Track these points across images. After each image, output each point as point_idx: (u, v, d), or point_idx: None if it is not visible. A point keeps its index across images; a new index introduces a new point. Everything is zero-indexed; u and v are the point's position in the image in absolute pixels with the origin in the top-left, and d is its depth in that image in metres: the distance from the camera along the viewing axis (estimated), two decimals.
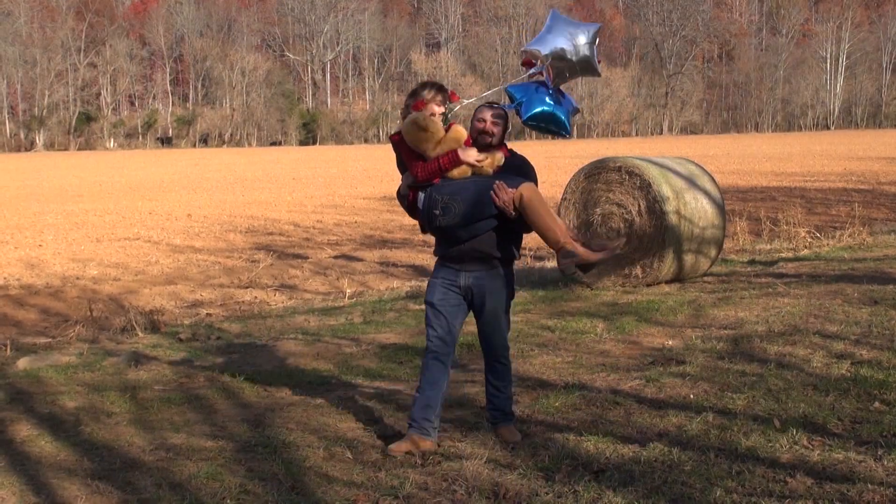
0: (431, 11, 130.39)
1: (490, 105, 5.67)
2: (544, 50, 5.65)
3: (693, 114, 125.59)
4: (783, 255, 13.43)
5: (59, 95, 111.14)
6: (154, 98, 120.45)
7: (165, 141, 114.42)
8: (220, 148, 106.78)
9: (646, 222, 10.80)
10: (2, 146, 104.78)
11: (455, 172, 5.42)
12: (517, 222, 5.41)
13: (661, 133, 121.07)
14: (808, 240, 14.39)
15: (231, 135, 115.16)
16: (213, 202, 29.56)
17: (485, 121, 5.52)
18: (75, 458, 5.61)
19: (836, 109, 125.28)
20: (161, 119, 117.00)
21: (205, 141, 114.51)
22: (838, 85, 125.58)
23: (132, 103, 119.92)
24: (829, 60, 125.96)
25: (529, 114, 5.64)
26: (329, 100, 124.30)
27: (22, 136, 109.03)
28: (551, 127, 5.76)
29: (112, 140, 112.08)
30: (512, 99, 5.73)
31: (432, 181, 5.44)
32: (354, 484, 5.02)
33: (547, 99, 5.65)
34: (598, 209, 11.12)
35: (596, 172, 11.25)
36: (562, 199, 11.57)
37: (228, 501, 4.86)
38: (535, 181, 5.54)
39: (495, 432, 5.67)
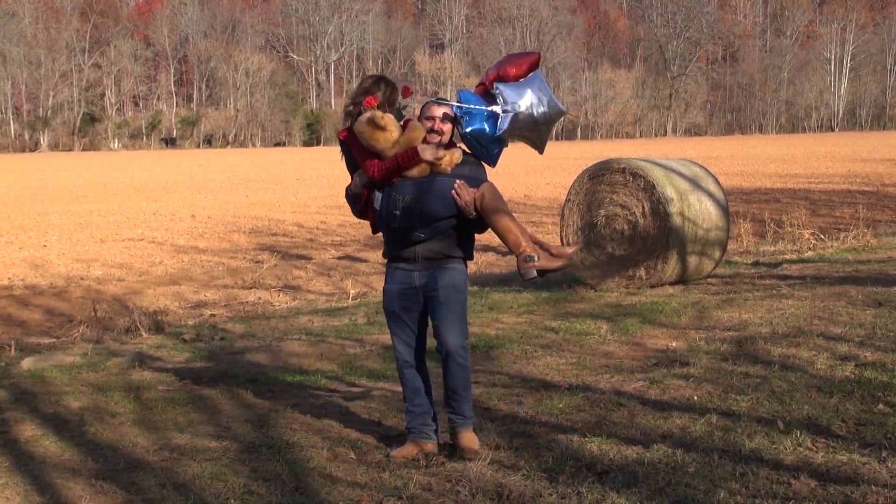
0: (435, 12, 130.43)
1: (438, 101, 5.47)
2: (512, 99, 5.45)
3: (697, 115, 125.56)
4: (787, 256, 13.43)
5: (64, 96, 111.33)
6: (158, 99, 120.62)
7: (169, 142, 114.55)
8: (224, 149, 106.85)
9: (650, 224, 10.80)
10: (6, 147, 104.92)
11: (413, 171, 5.27)
12: (474, 223, 5.34)
13: (665, 135, 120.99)
14: (812, 241, 14.37)
15: (235, 136, 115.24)
16: (217, 203, 29.59)
17: (434, 119, 5.36)
18: (79, 458, 5.63)
19: (841, 111, 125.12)
20: (165, 120, 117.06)
21: (209, 142, 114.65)
22: (842, 87, 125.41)
23: (136, 104, 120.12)
24: (833, 62, 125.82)
25: (472, 128, 5.44)
26: (333, 101, 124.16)
27: (26, 136, 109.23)
28: (487, 148, 5.52)
29: (116, 141, 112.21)
30: (458, 101, 5.50)
31: (390, 180, 5.30)
32: (358, 484, 5.02)
33: (489, 124, 5.45)
34: (602, 210, 11.12)
35: (600, 174, 11.26)
36: (566, 200, 11.57)
37: (232, 502, 4.87)
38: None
39: (455, 440, 5.50)
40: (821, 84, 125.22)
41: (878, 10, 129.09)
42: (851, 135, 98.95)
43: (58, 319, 11.58)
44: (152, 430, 6.14)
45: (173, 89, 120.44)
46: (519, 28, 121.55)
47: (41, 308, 12.49)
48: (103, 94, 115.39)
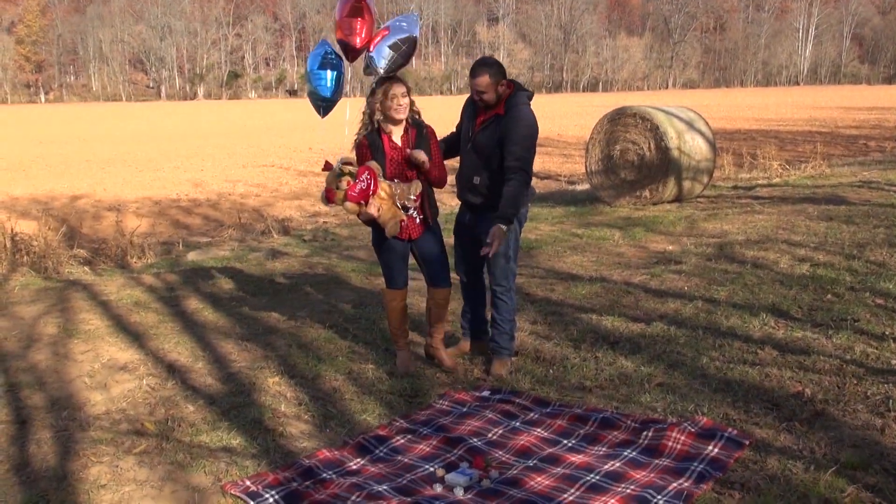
0: None
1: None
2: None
3: (692, 73, 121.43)
4: (759, 182, 13.07)
5: (214, 58, 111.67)
6: (283, 60, 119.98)
7: (292, 92, 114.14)
8: None
9: (654, 156, 10.57)
10: (173, 96, 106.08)
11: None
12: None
13: (666, 88, 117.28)
14: (780, 170, 13.97)
15: None
16: (328, 139, 29.54)
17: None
18: (230, 324, 5.76)
19: (805, 70, 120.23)
20: (289, 76, 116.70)
21: None
22: (807, 50, 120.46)
23: (268, 64, 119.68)
24: (801, 31, 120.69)
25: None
26: (414, 62, 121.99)
27: (187, 88, 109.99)
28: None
29: (253, 92, 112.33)
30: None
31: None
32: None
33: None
34: (617, 146, 10.89)
35: (617, 118, 11.00)
36: (590, 138, 11.35)
37: (340, 358, 4.96)
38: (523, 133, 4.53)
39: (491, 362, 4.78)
40: (790, 48, 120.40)
41: None
42: (813, 88, 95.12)
43: (212, 223, 11.76)
44: (282, 304, 6.24)
45: (294, 53, 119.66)
46: (556, 5, 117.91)
47: (200, 215, 12.67)
48: (243, 57, 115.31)
